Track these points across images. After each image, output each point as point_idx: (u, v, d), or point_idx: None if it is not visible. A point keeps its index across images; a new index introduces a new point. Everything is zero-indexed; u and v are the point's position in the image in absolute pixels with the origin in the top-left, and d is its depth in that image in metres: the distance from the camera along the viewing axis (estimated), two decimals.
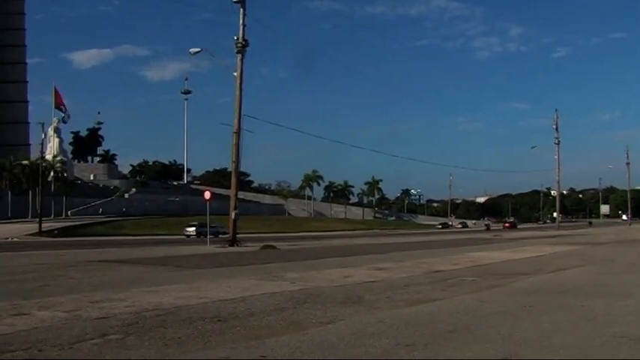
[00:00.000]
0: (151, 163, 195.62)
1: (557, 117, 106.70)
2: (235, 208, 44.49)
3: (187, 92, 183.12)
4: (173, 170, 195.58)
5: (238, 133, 44.06)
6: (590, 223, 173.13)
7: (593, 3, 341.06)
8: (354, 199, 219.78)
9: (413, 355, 8.60)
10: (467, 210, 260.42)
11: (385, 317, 11.83)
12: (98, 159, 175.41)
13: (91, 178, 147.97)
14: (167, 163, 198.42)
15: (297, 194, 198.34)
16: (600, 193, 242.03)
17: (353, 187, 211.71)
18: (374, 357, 8.55)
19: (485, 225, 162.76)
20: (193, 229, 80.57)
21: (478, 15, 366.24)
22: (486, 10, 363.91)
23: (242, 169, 59.00)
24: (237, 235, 44.44)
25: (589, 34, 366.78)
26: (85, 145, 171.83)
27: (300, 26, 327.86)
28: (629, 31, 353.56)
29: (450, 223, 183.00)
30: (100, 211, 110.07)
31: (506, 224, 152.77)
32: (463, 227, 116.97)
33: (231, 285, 17.34)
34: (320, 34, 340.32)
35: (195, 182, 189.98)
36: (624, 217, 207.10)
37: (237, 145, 44.40)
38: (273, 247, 40.79)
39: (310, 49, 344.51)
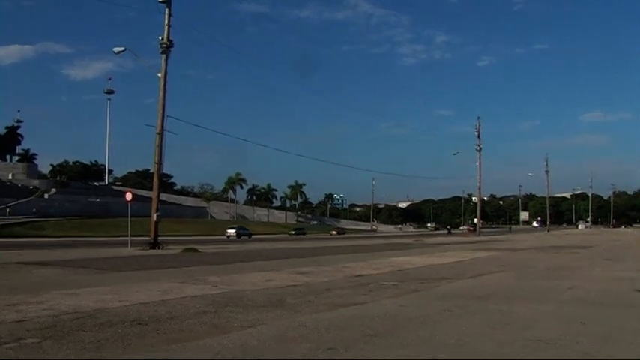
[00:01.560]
0: (72, 164, 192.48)
1: (480, 124, 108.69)
2: (157, 211, 44.16)
3: (110, 92, 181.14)
4: (94, 171, 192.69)
5: (161, 134, 43.74)
6: (510, 229, 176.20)
7: (517, 14, 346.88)
8: (277, 203, 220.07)
9: (334, 359, 8.65)
10: (389, 215, 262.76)
11: (306, 321, 11.87)
12: (17, 158, 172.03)
13: (10, 177, 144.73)
14: (88, 163, 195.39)
15: (220, 197, 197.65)
16: (520, 200, 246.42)
17: (276, 190, 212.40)
18: None
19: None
20: (234, 230, 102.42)
21: (404, 22, 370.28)
22: (412, 18, 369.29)
23: (165, 170, 58.68)
24: (159, 238, 44.09)
25: (512, 44, 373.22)
26: (4, 143, 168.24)
27: (226, 28, 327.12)
28: (551, 42, 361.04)
29: (375, 228, 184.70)
30: (8, 212, 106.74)
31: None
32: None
33: (152, 288, 17.20)
34: (246, 36, 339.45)
35: (116, 183, 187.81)
36: (534, 223, 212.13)
37: (160, 147, 44.09)
38: (196, 250, 40.60)
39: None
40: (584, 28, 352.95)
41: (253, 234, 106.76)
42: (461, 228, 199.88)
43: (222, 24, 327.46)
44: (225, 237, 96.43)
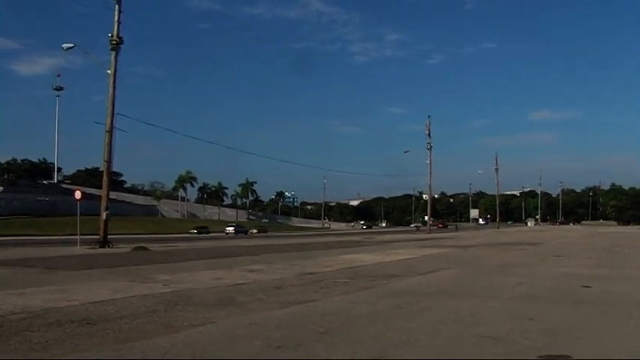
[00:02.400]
0: (20, 162, 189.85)
1: (430, 122, 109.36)
2: (107, 209, 43.73)
3: (59, 89, 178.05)
4: (43, 169, 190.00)
5: (111, 131, 43.31)
6: (457, 227, 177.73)
7: (468, 13, 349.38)
8: (228, 201, 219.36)
9: (284, 357, 8.64)
10: (340, 212, 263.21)
11: (257, 319, 11.84)
12: None
13: None
14: (37, 161, 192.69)
15: (171, 195, 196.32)
16: (470, 198, 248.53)
17: (227, 188, 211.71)
18: (245, 359, 8.57)
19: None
20: (232, 228, 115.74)
21: (356, 20, 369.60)
22: (364, 16, 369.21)
23: (114, 168, 58.40)
24: (109, 236, 43.67)
25: (463, 43, 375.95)
26: None
27: (178, 25, 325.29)
28: (500, 42, 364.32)
29: (328, 225, 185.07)
30: None
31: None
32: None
33: (101, 287, 17.05)
34: (199, 33, 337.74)
35: (66, 182, 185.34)
36: (480, 220, 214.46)
37: (110, 144, 43.65)
38: (146, 249, 40.32)
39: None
40: (533, 27, 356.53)
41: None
42: (411, 225, 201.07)
43: (174, 21, 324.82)
44: (192, 234, 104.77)
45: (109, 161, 44.37)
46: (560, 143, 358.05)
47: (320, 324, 11.22)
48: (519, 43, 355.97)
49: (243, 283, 18.75)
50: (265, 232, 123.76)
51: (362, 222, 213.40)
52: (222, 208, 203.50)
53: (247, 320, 11.69)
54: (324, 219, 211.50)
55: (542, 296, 15.99)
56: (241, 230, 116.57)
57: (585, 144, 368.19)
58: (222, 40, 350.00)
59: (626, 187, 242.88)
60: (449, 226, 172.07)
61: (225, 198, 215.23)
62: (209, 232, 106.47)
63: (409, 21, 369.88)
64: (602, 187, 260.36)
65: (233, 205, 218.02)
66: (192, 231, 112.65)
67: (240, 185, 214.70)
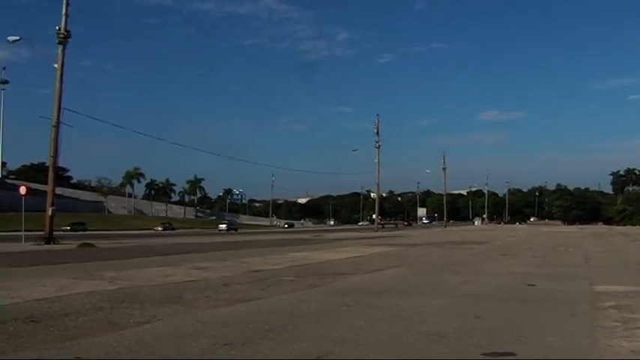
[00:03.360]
0: None
1: (379, 121, 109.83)
2: (52, 205, 43.24)
3: (4, 82, 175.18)
4: None
5: (57, 126, 42.86)
6: (397, 225, 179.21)
7: (418, 13, 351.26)
8: (176, 198, 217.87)
9: (230, 355, 8.60)
10: (288, 210, 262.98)
11: (204, 317, 11.81)
12: None
13: None
14: None
15: (118, 191, 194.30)
16: (418, 197, 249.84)
17: (175, 185, 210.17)
18: (191, 356, 8.51)
19: (394, 224, 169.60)
20: (225, 225, 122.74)
21: (307, 18, 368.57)
22: (315, 14, 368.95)
23: (61, 164, 57.63)
24: (55, 233, 43.20)
25: (413, 42, 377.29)
26: None
27: (128, 19, 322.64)
28: (450, 42, 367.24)
29: (277, 223, 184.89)
30: None
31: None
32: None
33: (46, 284, 16.83)
34: (147, 28, 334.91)
35: (10, 177, 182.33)
36: (424, 219, 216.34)
37: (56, 139, 43.21)
38: (92, 246, 39.93)
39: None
40: (482, 29, 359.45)
41: (150, 229, 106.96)
42: (359, 224, 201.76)
43: (122, 15, 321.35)
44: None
45: (55, 156, 43.88)
46: (508, 143, 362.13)
47: (267, 322, 11.21)
48: (468, 43, 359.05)
49: (191, 281, 18.68)
50: (236, 230, 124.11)
51: (284, 221, 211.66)
52: (170, 205, 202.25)
53: (194, 318, 11.64)
54: (273, 216, 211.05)
55: (488, 295, 16.16)
56: (232, 227, 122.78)
57: (532, 144, 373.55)
58: (171, 35, 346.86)
59: (571, 188, 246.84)
60: (385, 226, 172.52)
61: (172, 195, 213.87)
62: (174, 229, 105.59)
63: (360, 20, 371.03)
64: (547, 187, 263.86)
65: (181, 202, 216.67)
66: (157, 228, 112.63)
67: (187, 182, 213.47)
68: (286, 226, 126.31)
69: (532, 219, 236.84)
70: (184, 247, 43.20)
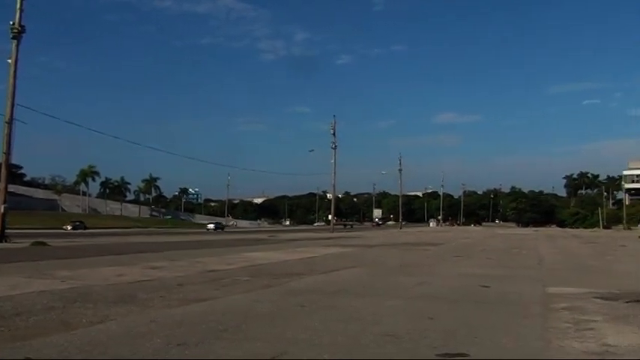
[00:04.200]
0: None
1: (335, 122, 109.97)
2: (5, 202, 42.72)
3: None
4: None
5: (10, 123, 42.34)
6: (349, 225, 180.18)
7: (377, 14, 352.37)
8: (131, 197, 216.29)
9: (184, 355, 8.56)
10: (244, 210, 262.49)
11: (158, 316, 11.74)
12: None
13: None
14: None
15: (72, 189, 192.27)
16: (374, 198, 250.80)
17: (130, 184, 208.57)
18: (144, 356, 8.45)
19: (376, 223, 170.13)
20: (213, 225, 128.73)
21: (265, 17, 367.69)
22: (273, 13, 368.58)
23: (14, 161, 56.90)
24: (7, 231, 42.68)
25: (372, 44, 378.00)
26: None
27: (84, 16, 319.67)
28: (409, 44, 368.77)
29: (234, 223, 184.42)
30: None
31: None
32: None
33: None
34: (105, 25, 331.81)
35: None
36: (376, 220, 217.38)
37: (9, 136, 42.70)
38: (45, 244, 39.51)
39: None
40: (441, 31, 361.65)
41: (107, 228, 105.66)
42: (315, 224, 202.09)
43: (79, 10, 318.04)
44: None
45: (8, 153, 43.39)
46: (464, 146, 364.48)
47: (221, 322, 11.17)
48: (426, 46, 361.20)
49: (145, 280, 18.57)
50: (222, 229, 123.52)
51: (265, 220, 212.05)
52: (125, 204, 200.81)
53: (148, 318, 11.57)
54: (228, 216, 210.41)
55: (442, 296, 16.26)
56: (219, 226, 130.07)
57: (487, 147, 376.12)
58: (127, 33, 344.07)
59: (526, 190, 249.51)
60: (346, 226, 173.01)
61: (128, 193, 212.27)
62: (85, 228, 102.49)
63: (318, 20, 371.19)
64: (502, 190, 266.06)
65: (136, 201, 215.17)
66: (66, 227, 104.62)
67: (143, 181, 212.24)
68: (211, 226, 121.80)
69: (495, 222, 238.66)
70: (139, 246, 42.86)
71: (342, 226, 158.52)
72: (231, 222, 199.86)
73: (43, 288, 15.74)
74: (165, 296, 14.83)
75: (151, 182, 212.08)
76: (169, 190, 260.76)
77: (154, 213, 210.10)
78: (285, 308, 13.26)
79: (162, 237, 67.55)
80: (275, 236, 70.88)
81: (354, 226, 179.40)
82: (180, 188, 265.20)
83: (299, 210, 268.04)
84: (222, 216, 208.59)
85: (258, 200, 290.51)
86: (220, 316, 11.93)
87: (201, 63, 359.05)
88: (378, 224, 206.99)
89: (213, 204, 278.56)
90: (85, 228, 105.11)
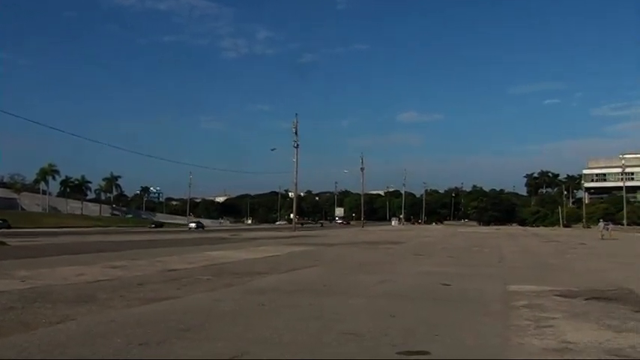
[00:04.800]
0: None
1: (297, 121, 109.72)
2: None
3: None
4: None
5: None
6: (320, 224, 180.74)
7: (340, 13, 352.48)
8: (92, 195, 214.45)
9: (145, 355, 8.54)
10: (206, 209, 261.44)
11: (118, 316, 11.68)
12: None
13: None
14: None
15: (32, 188, 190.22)
16: (336, 197, 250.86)
17: (90, 182, 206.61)
18: (105, 357, 8.41)
19: (341, 221, 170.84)
20: (195, 224, 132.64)
21: (227, 15, 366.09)
22: (235, 11, 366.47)
23: None
24: None
25: (334, 42, 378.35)
26: None
27: (44, 13, 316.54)
28: (371, 43, 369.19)
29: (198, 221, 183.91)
30: None
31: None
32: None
33: None
34: (65, 22, 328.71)
35: None
36: (337, 219, 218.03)
37: None
38: (3, 244, 39.11)
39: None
40: (403, 30, 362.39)
41: (69, 227, 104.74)
42: (277, 223, 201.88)
43: (39, 9, 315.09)
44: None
45: None
46: (426, 145, 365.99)
47: (182, 321, 11.14)
48: (389, 44, 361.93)
49: (105, 280, 18.45)
50: (161, 225, 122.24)
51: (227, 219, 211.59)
52: (86, 203, 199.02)
53: (108, 317, 11.51)
54: (190, 215, 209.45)
55: (403, 294, 16.34)
56: (200, 225, 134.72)
57: (449, 146, 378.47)
58: (89, 30, 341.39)
59: (487, 189, 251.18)
60: (304, 225, 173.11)
61: (88, 192, 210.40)
62: (9, 227, 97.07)
63: (280, 19, 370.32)
64: (464, 189, 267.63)
65: (97, 200, 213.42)
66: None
67: (104, 179, 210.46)
68: (193, 225, 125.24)
69: (456, 221, 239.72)
70: (100, 245, 42.53)
71: (305, 225, 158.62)
72: (193, 222, 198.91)
73: (2, 288, 15.59)
74: (126, 296, 14.74)
75: (111, 181, 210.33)
76: (131, 189, 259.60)
77: (115, 212, 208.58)
78: (246, 307, 13.24)
79: (122, 236, 67.06)
80: (237, 235, 70.69)
81: (316, 225, 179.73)
82: (141, 187, 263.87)
83: (261, 209, 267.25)
84: (184, 215, 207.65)
85: (220, 199, 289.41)
86: (181, 315, 11.89)
87: (165, 61, 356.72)
88: (339, 223, 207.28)
89: (174, 203, 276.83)
90: (9, 227, 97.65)
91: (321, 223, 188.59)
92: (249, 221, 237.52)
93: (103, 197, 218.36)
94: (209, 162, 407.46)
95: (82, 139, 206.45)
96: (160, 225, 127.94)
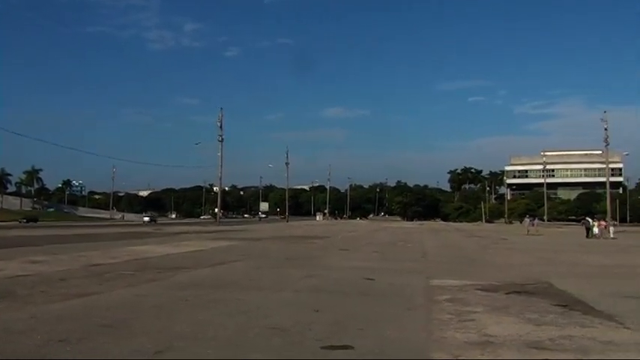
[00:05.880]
0: None
1: (222, 115, 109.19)
2: None
3: None
4: None
5: None
6: (259, 218, 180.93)
7: (266, 7, 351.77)
8: (12, 189, 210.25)
9: (66, 351, 8.41)
10: (129, 203, 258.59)
11: (38, 312, 11.47)
12: None
13: None
14: None
15: None
16: (261, 191, 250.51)
17: (11, 175, 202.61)
18: (24, 354, 8.27)
19: (265, 215, 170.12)
20: (148, 218, 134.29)
21: (154, 6, 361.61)
22: (162, 3, 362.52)
23: None
24: None
25: (260, 36, 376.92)
26: None
27: None
28: (296, 38, 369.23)
29: (121, 216, 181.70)
30: None
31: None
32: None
33: None
34: None
35: None
36: (260, 214, 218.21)
37: None
38: None
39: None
40: (329, 26, 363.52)
41: None
42: (202, 217, 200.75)
43: None
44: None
45: None
46: (351, 140, 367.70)
47: (105, 317, 11.01)
48: (315, 39, 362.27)
49: (24, 275, 18.10)
50: (36, 220, 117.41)
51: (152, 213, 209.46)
52: (6, 196, 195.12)
53: (28, 314, 11.30)
54: (113, 209, 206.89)
55: (328, 289, 16.40)
56: (153, 218, 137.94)
57: (375, 142, 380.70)
58: (10, 18, 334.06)
59: (411, 185, 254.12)
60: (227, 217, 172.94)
61: (9, 185, 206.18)
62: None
63: (207, 12, 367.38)
64: (388, 184, 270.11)
65: (17, 194, 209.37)
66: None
67: (25, 172, 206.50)
68: (147, 218, 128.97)
69: (381, 216, 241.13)
70: (19, 239, 41.69)
71: (225, 218, 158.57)
72: (120, 215, 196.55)
73: None
74: (47, 291, 14.50)
75: (33, 174, 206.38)
76: (53, 183, 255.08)
77: (36, 206, 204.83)
78: (170, 302, 13.14)
79: (44, 230, 65.87)
80: (161, 229, 70.12)
81: (241, 219, 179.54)
82: (63, 180, 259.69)
83: (185, 203, 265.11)
84: (107, 209, 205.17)
85: (144, 193, 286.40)
86: (104, 311, 11.75)
87: (89, 52, 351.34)
88: (264, 217, 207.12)
89: (97, 197, 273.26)
90: None
91: (260, 218, 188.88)
92: (174, 216, 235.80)
93: (23, 191, 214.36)
94: (133, 155, 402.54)
95: (2, 131, 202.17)
96: (35, 220, 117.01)
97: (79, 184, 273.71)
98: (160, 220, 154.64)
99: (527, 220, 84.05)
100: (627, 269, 24.92)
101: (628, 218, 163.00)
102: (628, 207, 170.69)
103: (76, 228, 75.88)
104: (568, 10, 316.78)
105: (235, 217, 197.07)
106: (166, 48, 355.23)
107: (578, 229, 68.35)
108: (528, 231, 71.95)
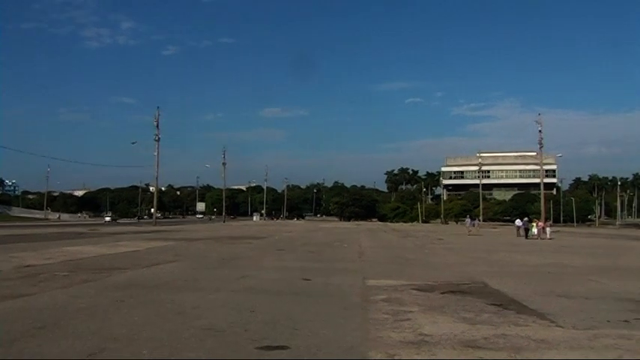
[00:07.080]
0: None
1: (159, 114, 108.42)
2: None
3: None
4: None
5: None
6: (207, 218, 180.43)
7: (206, 6, 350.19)
8: None
9: None
10: (64, 203, 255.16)
11: None
12: None
13: None
14: None
15: None
16: (197, 191, 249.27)
17: None
18: None
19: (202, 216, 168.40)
20: (109, 218, 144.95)
21: (91, 3, 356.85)
22: (99, 0, 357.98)
23: None
24: None
25: (200, 35, 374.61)
26: None
27: None
28: (237, 37, 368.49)
29: (57, 216, 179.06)
30: None
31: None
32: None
33: None
34: None
35: None
36: (198, 215, 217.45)
37: None
38: None
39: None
40: (269, 25, 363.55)
41: None
42: (137, 218, 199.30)
43: None
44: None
45: None
46: (288, 140, 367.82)
47: (37, 319, 10.88)
48: (254, 39, 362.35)
49: None
50: None
51: (86, 213, 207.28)
52: None
53: None
54: (47, 209, 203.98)
55: (264, 289, 16.41)
56: (114, 218, 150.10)
57: (312, 142, 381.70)
58: None
59: (348, 185, 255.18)
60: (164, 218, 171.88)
61: None
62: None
63: (145, 10, 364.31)
64: (325, 184, 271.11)
65: None
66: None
67: None
68: (108, 218, 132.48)
69: (318, 216, 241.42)
70: None
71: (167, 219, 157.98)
72: (57, 215, 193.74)
73: None
74: None
75: None
76: None
77: None
78: (104, 303, 13.03)
79: None
80: (96, 230, 69.33)
81: (177, 219, 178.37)
82: None
83: (121, 203, 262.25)
84: (42, 209, 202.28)
85: (79, 193, 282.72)
86: (37, 312, 11.61)
87: (23, 48, 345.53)
88: (200, 218, 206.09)
89: (31, 196, 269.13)
90: None
91: (210, 217, 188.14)
92: (108, 218, 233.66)
93: None
94: (68, 154, 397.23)
95: None
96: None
97: (12, 183, 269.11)
98: (96, 220, 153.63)
99: (467, 220, 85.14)
100: (560, 268, 25.37)
101: (561, 219, 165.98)
102: (561, 208, 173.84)
103: (10, 228, 74.56)
104: (505, 12, 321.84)
105: (173, 218, 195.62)
106: (103, 45, 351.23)
107: (512, 229, 69.23)
108: (470, 231, 72.90)
